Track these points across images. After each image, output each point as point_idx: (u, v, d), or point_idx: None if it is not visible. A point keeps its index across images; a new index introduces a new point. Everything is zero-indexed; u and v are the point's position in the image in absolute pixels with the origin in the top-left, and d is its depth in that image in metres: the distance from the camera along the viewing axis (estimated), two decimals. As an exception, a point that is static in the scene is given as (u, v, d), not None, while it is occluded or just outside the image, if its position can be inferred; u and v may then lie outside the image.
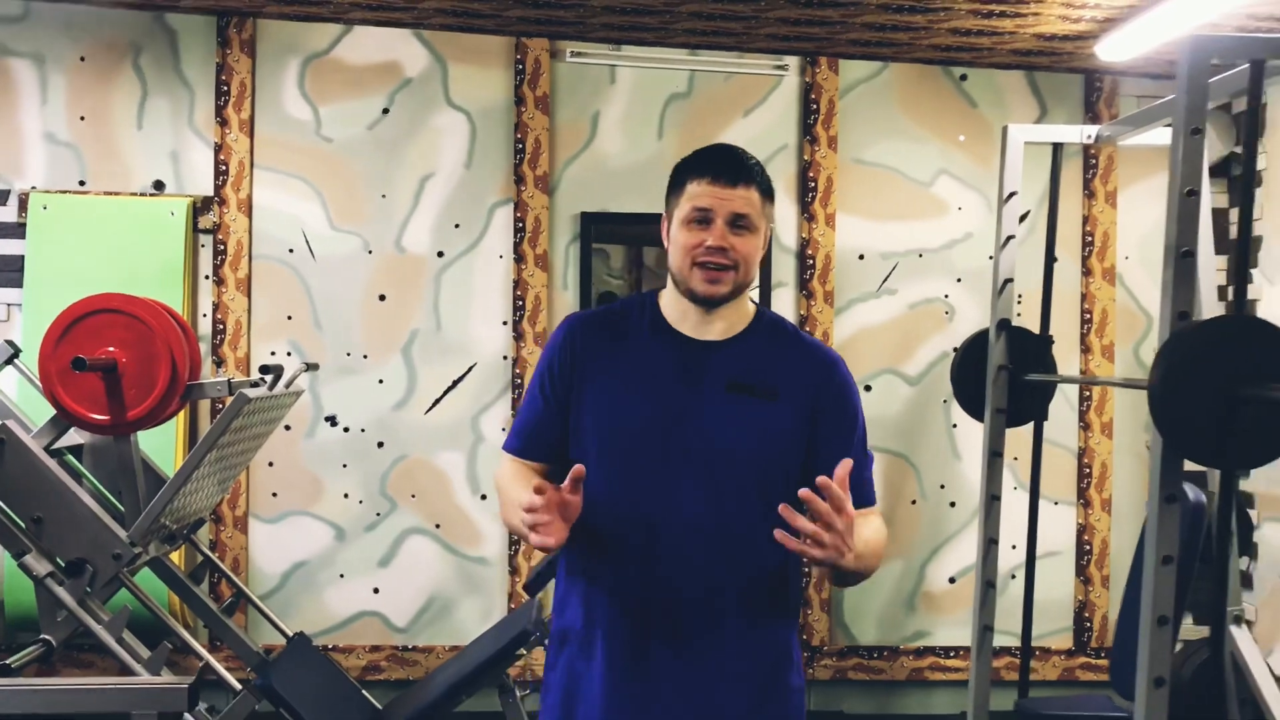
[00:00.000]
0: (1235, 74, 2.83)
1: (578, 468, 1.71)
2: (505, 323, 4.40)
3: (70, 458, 3.49)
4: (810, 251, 4.42)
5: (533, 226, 4.35)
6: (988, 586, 3.62)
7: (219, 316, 4.29)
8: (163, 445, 4.01)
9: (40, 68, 4.29)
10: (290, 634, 3.70)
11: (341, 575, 4.36)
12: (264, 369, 3.38)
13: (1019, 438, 3.94)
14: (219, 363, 4.29)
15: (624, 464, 1.85)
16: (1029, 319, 4.08)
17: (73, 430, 3.35)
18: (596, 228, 4.40)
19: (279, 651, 3.65)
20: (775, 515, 1.77)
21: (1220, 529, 2.72)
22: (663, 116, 4.41)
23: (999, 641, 4.29)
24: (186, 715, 3.03)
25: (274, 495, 4.35)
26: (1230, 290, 3.47)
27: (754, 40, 4.28)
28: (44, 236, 4.20)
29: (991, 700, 3.68)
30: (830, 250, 4.42)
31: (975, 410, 3.75)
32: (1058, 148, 3.68)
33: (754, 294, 4.42)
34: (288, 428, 4.29)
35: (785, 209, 4.45)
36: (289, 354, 4.32)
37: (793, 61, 4.44)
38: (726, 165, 1.86)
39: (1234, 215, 4.41)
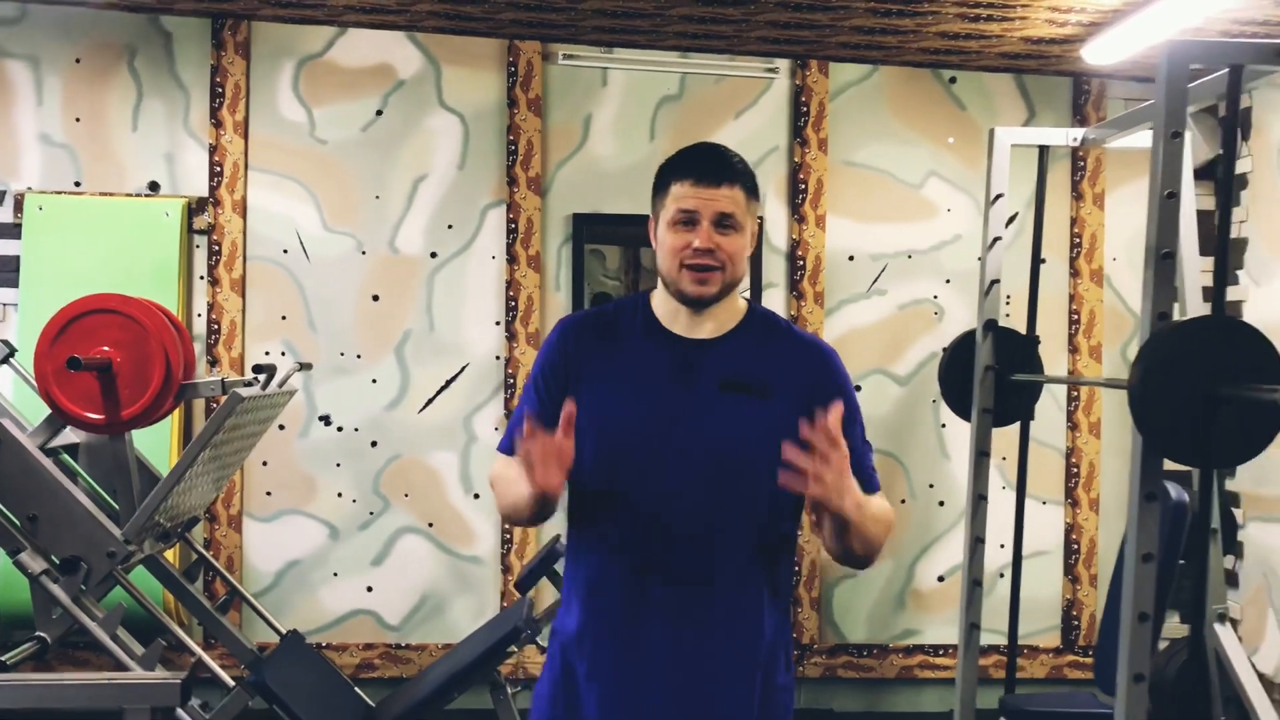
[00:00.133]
0: (1215, 78, 2.87)
1: (568, 407, 1.74)
2: (498, 323, 4.43)
3: (65, 456, 3.51)
4: (800, 253, 4.45)
5: (525, 228, 4.39)
6: (974, 585, 3.66)
7: (214, 316, 4.32)
8: (157, 444, 4.03)
9: (36, 69, 4.31)
10: (284, 632, 3.73)
11: (335, 574, 4.39)
12: (257, 369, 3.41)
13: (1008, 438, 3.98)
14: (213, 362, 4.32)
15: (620, 464, 1.86)
16: (1017, 320, 4.11)
17: (68, 429, 3.37)
18: (589, 229, 4.43)
19: (272, 649, 3.68)
20: (772, 510, 1.81)
21: (1200, 527, 2.76)
22: (654, 118, 4.44)
23: (987, 640, 4.32)
24: (179, 711, 3.06)
25: (268, 494, 4.38)
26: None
27: (744, 43, 4.32)
28: (39, 237, 4.22)
29: (979, 698, 3.72)
30: (820, 251, 4.46)
31: (962, 410, 3.79)
32: (1044, 150, 3.72)
33: (744, 296, 4.47)
34: (282, 427, 4.32)
35: (776, 210, 4.49)
36: (283, 354, 4.35)
37: (783, 64, 4.47)
38: (709, 166, 1.87)
39: (1231, 215, 4.44)
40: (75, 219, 4.24)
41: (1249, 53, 2.64)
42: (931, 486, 4.54)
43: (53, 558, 3.15)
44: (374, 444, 4.40)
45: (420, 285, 4.41)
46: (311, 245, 4.39)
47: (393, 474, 4.41)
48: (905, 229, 4.52)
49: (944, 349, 3.93)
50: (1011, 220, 4.42)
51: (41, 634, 3.13)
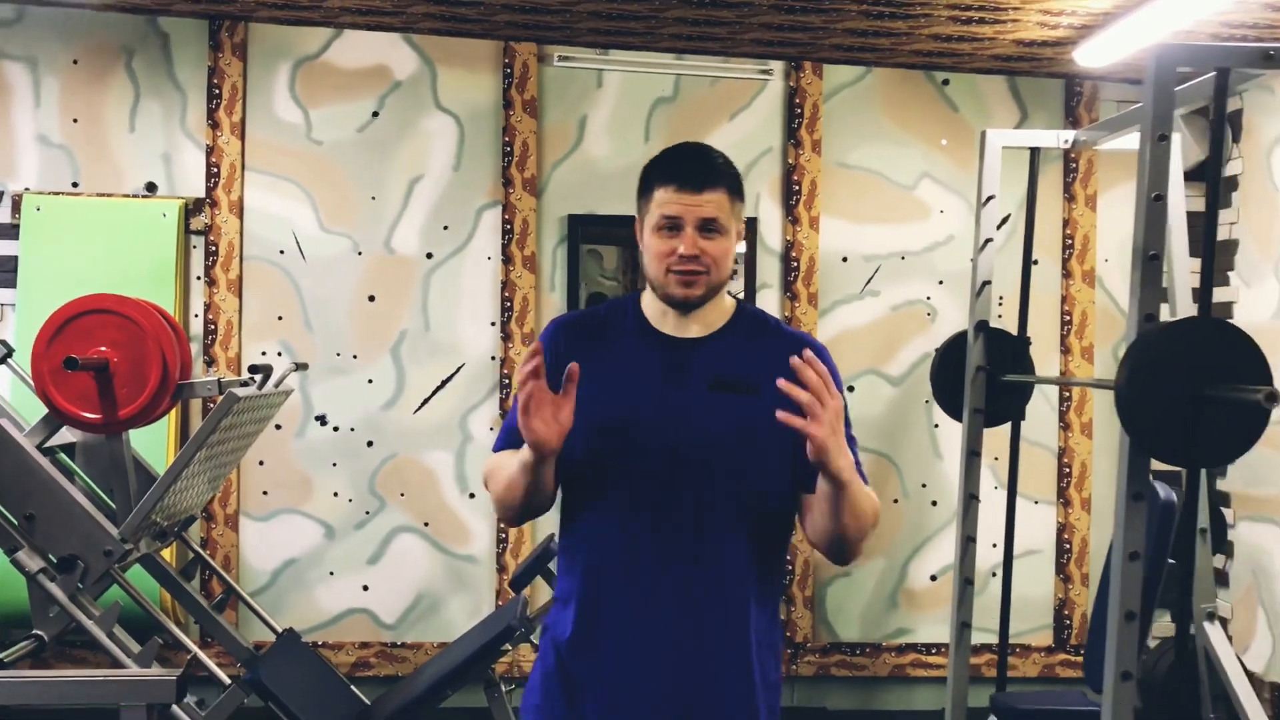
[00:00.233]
0: (1203, 81, 2.89)
1: (573, 365, 1.75)
2: (493, 323, 4.45)
3: (63, 456, 3.54)
4: (794, 254, 4.48)
5: (520, 228, 4.41)
6: (965, 584, 3.68)
7: (210, 317, 4.34)
8: (154, 444, 4.05)
9: (33, 70, 4.34)
10: (280, 630, 3.75)
11: (331, 573, 4.41)
12: (253, 369, 3.43)
13: (1000, 438, 4.00)
14: (210, 362, 4.34)
15: (611, 463, 1.88)
16: (1009, 321, 4.14)
17: (65, 429, 3.40)
18: (584, 230, 4.45)
19: (268, 647, 3.70)
20: (763, 508, 1.83)
21: (1185, 526, 2.78)
22: (649, 120, 4.47)
23: (980, 639, 4.35)
24: (175, 707, 3.08)
25: (264, 493, 4.40)
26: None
27: (739, 45, 4.34)
28: (37, 237, 4.24)
29: (971, 697, 3.74)
30: (814, 252, 4.48)
31: (954, 410, 3.81)
32: (1035, 152, 3.74)
33: (738, 297, 4.49)
34: (278, 427, 4.34)
35: (769, 212, 4.51)
36: (279, 354, 4.37)
37: (777, 66, 4.50)
38: (692, 171, 1.87)
39: (1218, 217, 4.47)
40: (73, 219, 4.26)
41: (1235, 56, 2.66)
42: (924, 486, 4.56)
43: (50, 556, 3.17)
44: (370, 444, 4.42)
45: (416, 286, 4.44)
46: (308, 246, 4.41)
47: (388, 474, 4.43)
48: (898, 230, 4.54)
49: (936, 350, 3.95)
50: (1004, 222, 4.44)
51: (39, 632, 3.15)
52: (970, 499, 3.70)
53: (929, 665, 4.52)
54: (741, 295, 4.53)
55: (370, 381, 4.43)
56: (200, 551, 3.82)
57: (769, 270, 4.51)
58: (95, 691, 2.29)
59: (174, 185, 4.36)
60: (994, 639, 4.37)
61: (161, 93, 4.36)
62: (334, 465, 4.41)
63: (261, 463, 4.38)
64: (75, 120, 4.34)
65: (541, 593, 4.17)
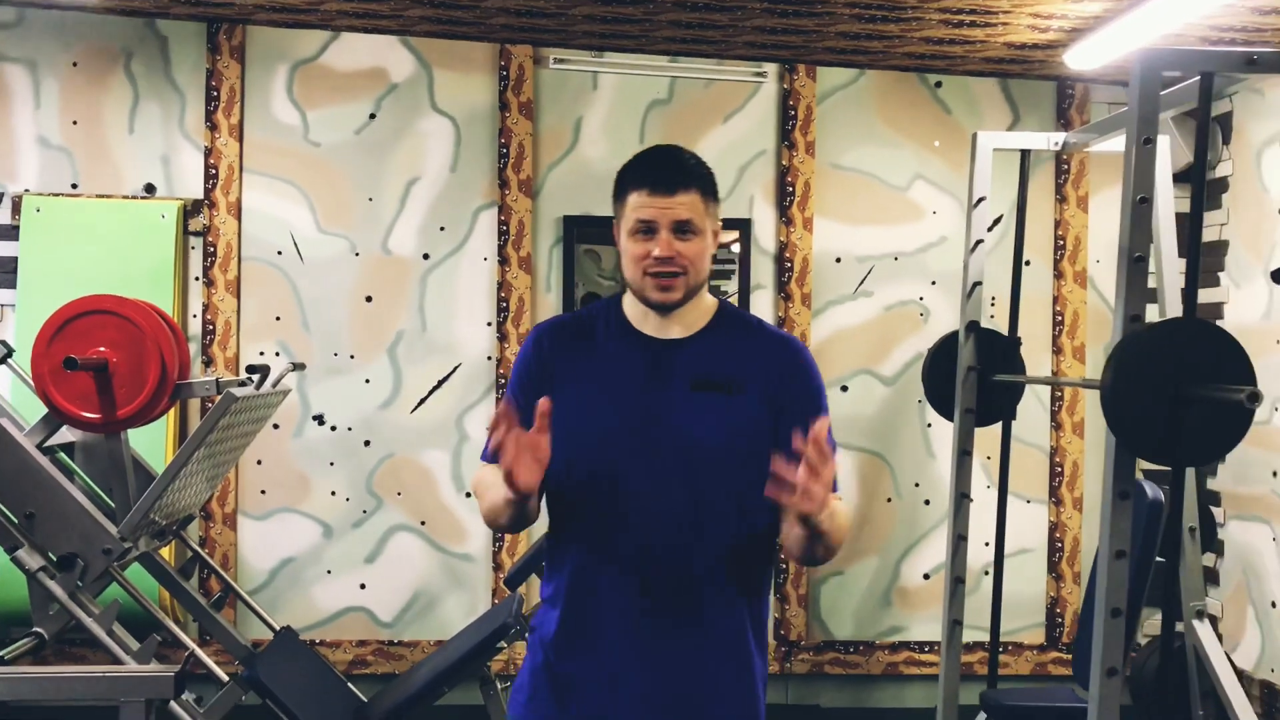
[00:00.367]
0: (1189, 85, 2.93)
1: (543, 401, 1.76)
2: (489, 324, 4.49)
3: (62, 455, 3.57)
4: (788, 255, 4.51)
5: (516, 229, 4.44)
6: (957, 582, 3.71)
7: (208, 317, 4.37)
8: (153, 443, 4.08)
9: (33, 72, 4.37)
10: (278, 628, 3.78)
11: (329, 571, 4.45)
12: (251, 369, 3.45)
13: (994, 438, 4.03)
14: (208, 363, 4.37)
15: (598, 465, 1.88)
16: (1002, 321, 4.17)
17: (65, 428, 3.43)
18: (579, 230, 4.49)
19: (266, 645, 3.73)
20: (746, 506, 1.84)
21: (1171, 525, 2.82)
22: (644, 122, 4.50)
23: (973, 636, 4.39)
24: (173, 704, 3.12)
25: (262, 493, 4.43)
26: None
27: (733, 48, 4.37)
28: (37, 238, 4.28)
29: (964, 694, 3.77)
30: (808, 253, 4.52)
31: (945, 410, 3.85)
32: (1026, 154, 3.77)
33: (733, 298, 4.53)
34: (276, 426, 4.37)
35: (764, 213, 4.54)
36: (277, 354, 4.40)
37: (771, 68, 4.53)
38: (665, 173, 1.88)
39: (1203, 219, 4.50)
40: (72, 221, 4.30)
41: (1219, 60, 2.70)
42: (917, 485, 4.60)
43: (50, 555, 3.20)
44: (367, 443, 4.45)
45: (413, 286, 4.47)
46: (305, 247, 4.44)
47: (385, 473, 4.46)
48: (892, 231, 4.58)
49: (928, 350, 3.98)
50: (996, 223, 4.48)
51: (39, 630, 3.18)
52: (962, 498, 3.73)
53: (922, 663, 4.55)
54: (735, 296, 4.57)
55: (367, 381, 4.46)
56: (199, 550, 3.85)
57: (763, 271, 4.54)
58: (94, 687, 2.32)
59: (172, 187, 4.40)
60: (987, 637, 4.41)
61: (160, 95, 4.40)
62: (331, 465, 4.44)
63: (259, 462, 4.41)
64: (75, 122, 4.37)
65: (537, 591, 4.19)
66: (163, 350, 3.20)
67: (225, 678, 3.35)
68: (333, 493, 4.45)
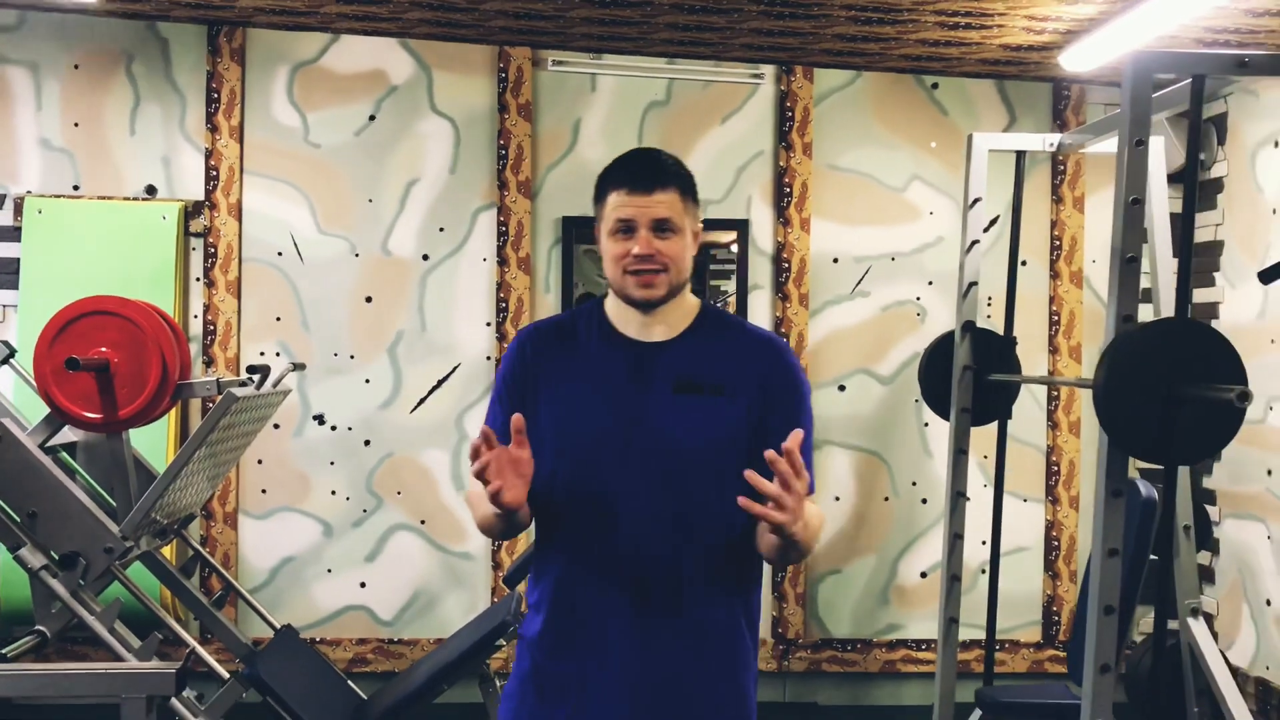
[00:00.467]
0: (1181, 87, 2.95)
1: (516, 417, 1.78)
2: (489, 324, 4.51)
3: (64, 455, 3.59)
4: (786, 255, 4.54)
5: (515, 230, 4.47)
6: (953, 580, 3.73)
7: (209, 318, 4.40)
8: (154, 443, 4.11)
9: (35, 75, 4.40)
10: (278, 627, 3.81)
11: (329, 570, 4.47)
12: (252, 369, 3.48)
13: (991, 437, 4.05)
14: (209, 363, 4.40)
15: (583, 468, 1.89)
16: (998, 321, 4.20)
17: (67, 428, 3.45)
18: (578, 231, 4.51)
19: (267, 643, 3.76)
20: (731, 506, 1.80)
21: (1164, 523, 2.84)
22: (642, 123, 4.53)
23: (970, 634, 4.41)
24: (174, 702, 3.14)
25: (263, 492, 4.46)
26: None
27: (730, 49, 4.40)
28: (39, 240, 4.30)
29: (960, 692, 3.80)
30: (805, 254, 4.54)
31: (941, 409, 3.87)
32: (1021, 155, 3.79)
33: (732, 298, 4.55)
34: (276, 426, 4.40)
35: (761, 214, 4.57)
36: (278, 354, 4.43)
37: (768, 70, 4.55)
38: (642, 173, 1.89)
39: (1199, 220, 4.53)
40: (74, 222, 4.32)
41: (1210, 63, 2.72)
42: (914, 484, 4.62)
43: (52, 553, 3.23)
44: (367, 443, 4.48)
45: (412, 287, 4.49)
46: (305, 248, 4.47)
47: (385, 472, 4.49)
48: (888, 232, 4.60)
49: (925, 349, 4.00)
50: (993, 224, 4.50)
51: (41, 628, 3.21)
52: (958, 497, 3.76)
53: (919, 661, 4.58)
54: (734, 296, 4.60)
55: (367, 381, 4.49)
56: (200, 549, 3.87)
57: (760, 271, 4.57)
58: (96, 684, 2.34)
59: (173, 188, 4.42)
60: (984, 635, 4.43)
61: (161, 97, 4.42)
62: (332, 464, 4.47)
63: (260, 461, 4.44)
64: (76, 124, 4.40)
65: (536, 590, 4.22)
66: (164, 351, 3.23)
67: (226, 675, 3.38)
68: (333, 492, 4.47)
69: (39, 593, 3.21)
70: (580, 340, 1.97)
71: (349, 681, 3.82)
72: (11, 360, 3.61)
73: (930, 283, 4.60)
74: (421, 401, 4.50)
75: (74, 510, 3.21)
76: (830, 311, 4.60)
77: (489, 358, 4.51)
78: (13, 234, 4.35)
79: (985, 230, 3.95)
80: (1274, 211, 4.11)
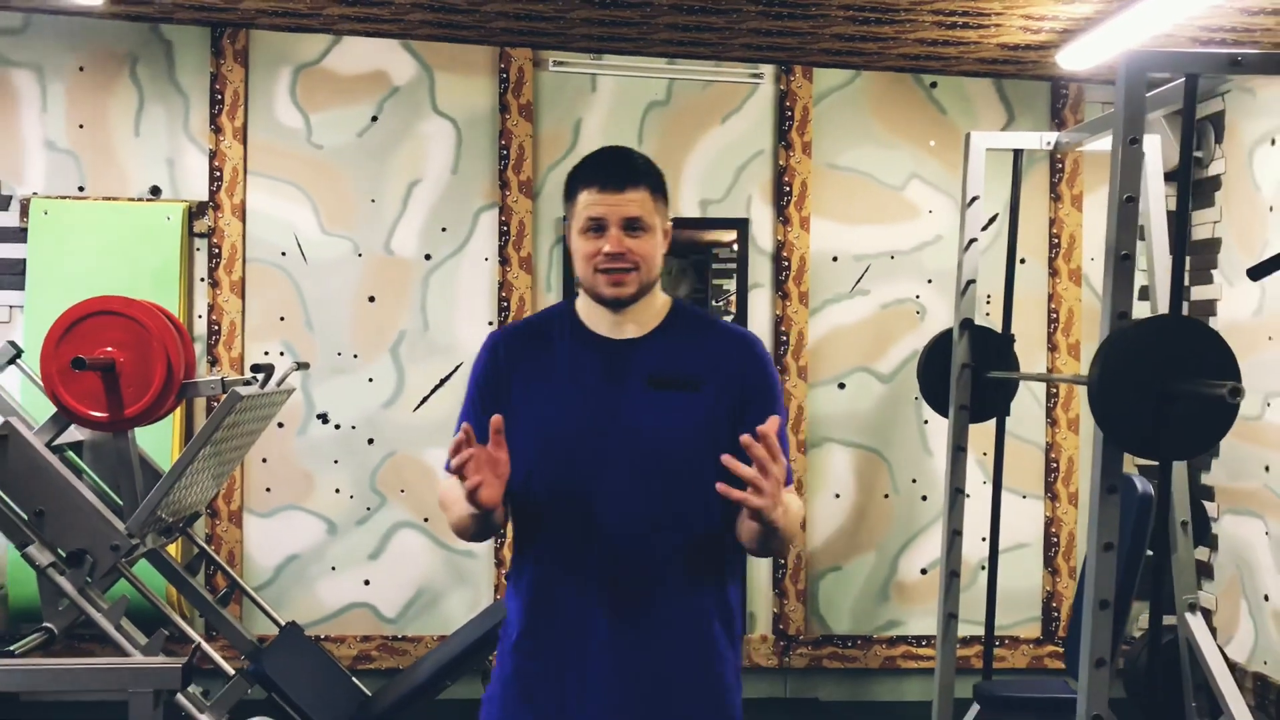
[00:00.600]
0: (1176, 85, 2.97)
1: (495, 418, 1.78)
2: (491, 323, 4.54)
3: (70, 454, 3.63)
4: (785, 254, 4.56)
5: (517, 230, 4.50)
6: (952, 576, 3.76)
7: (214, 318, 4.43)
8: (159, 441, 4.14)
9: (40, 77, 4.43)
10: (283, 624, 3.84)
11: (333, 568, 4.51)
12: (256, 368, 3.51)
13: (990, 434, 4.08)
14: (214, 362, 4.43)
15: (560, 467, 1.89)
16: (997, 319, 4.22)
17: (73, 427, 3.48)
18: (579, 231, 4.53)
19: (272, 640, 3.79)
20: (708, 501, 1.83)
21: (1159, 518, 2.87)
22: (642, 124, 4.56)
23: (969, 631, 4.44)
24: (180, 697, 3.18)
25: (267, 490, 4.49)
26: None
27: (730, 50, 4.43)
28: (44, 241, 4.34)
29: (960, 688, 3.82)
30: (805, 252, 4.57)
31: (940, 406, 3.89)
32: (1019, 154, 3.82)
33: (732, 297, 4.58)
34: (280, 425, 4.43)
35: (761, 213, 4.60)
36: (282, 354, 4.46)
37: (768, 70, 4.58)
38: (613, 171, 1.89)
39: (1196, 218, 4.55)
40: (79, 223, 4.36)
41: (1204, 62, 2.74)
42: (914, 481, 4.65)
43: (59, 551, 3.26)
44: (370, 441, 4.51)
45: (415, 286, 4.53)
46: (309, 248, 4.50)
47: (389, 470, 4.52)
48: (888, 230, 4.63)
49: (924, 347, 4.03)
50: (991, 222, 4.52)
51: (49, 625, 3.24)
52: (956, 493, 3.78)
53: (919, 657, 4.60)
54: (734, 295, 4.63)
55: (370, 380, 4.52)
56: (205, 547, 3.91)
57: (760, 270, 4.60)
58: (104, 679, 2.38)
59: (178, 189, 4.46)
60: (982, 631, 4.46)
61: (165, 98, 4.46)
62: (335, 462, 4.50)
63: (264, 460, 4.47)
64: (81, 126, 4.43)
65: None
66: (169, 350, 3.26)
67: (232, 672, 3.41)
68: (337, 490, 4.51)
69: (46, 590, 3.25)
70: (552, 341, 1.96)
71: (353, 678, 3.85)
72: (18, 360, 3.65)
73: (930, 281, 4.63)
74: (424, 400, 4.53)
75: (81, 508, 3.25)
76: (830, 310, 4.62)
77: (491, 356, 4.53)
78: (19, 235, 4.39)
79: (984, 228, 3.97)
80: (1271, 209, 4.14)
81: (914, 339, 4.58)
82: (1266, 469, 4.13)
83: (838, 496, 4.64)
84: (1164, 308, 3.60)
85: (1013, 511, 4.49)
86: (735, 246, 4.62)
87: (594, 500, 1.89)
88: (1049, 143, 3.75)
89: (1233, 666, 3.95)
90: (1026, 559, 4.65)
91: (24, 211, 4.38)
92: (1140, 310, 3.89)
